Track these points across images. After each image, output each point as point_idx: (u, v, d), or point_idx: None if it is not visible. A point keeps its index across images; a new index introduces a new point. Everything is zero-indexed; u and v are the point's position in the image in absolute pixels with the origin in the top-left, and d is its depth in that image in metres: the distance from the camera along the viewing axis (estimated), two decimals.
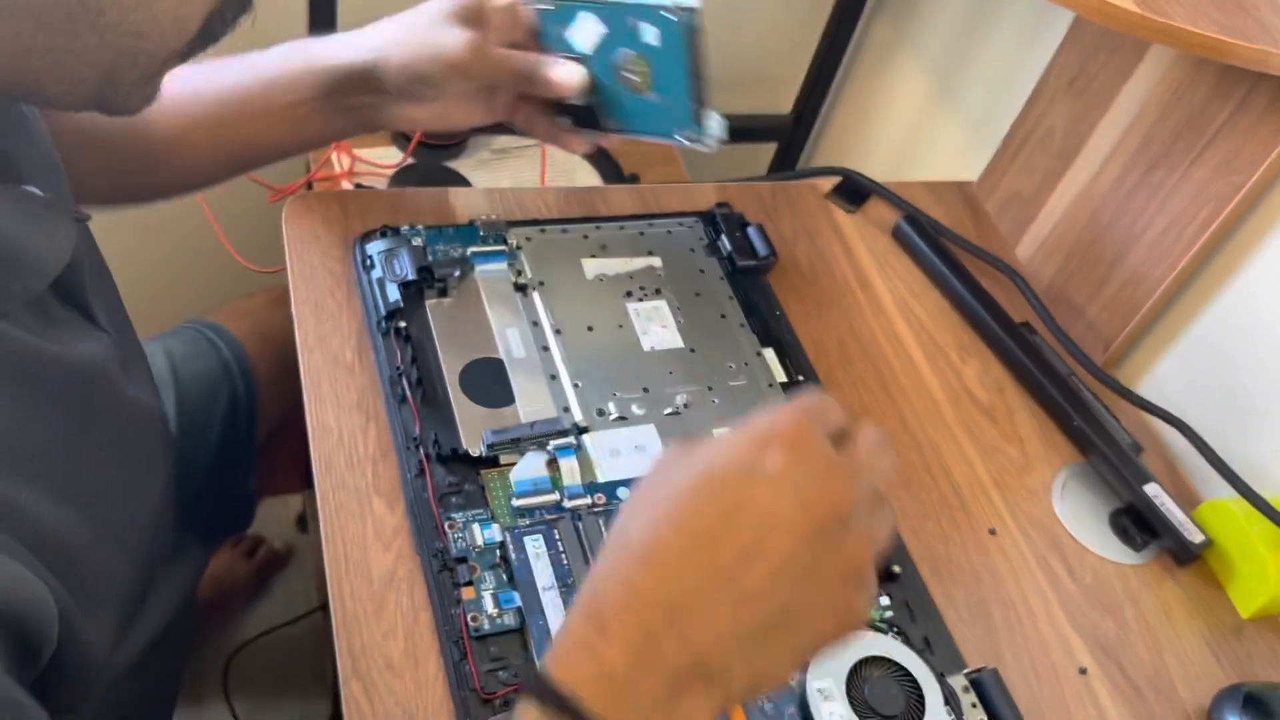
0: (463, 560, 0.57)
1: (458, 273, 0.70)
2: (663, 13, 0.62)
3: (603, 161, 1.03)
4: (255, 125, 0.70)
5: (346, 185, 0.99)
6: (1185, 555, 0.69)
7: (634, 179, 1.02)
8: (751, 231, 0.79)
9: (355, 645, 0.55)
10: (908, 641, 0.60)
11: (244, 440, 0.92)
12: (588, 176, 1.04)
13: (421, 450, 0.61)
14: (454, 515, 0.59)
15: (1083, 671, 0.64)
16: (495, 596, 0.56)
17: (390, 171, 0.97)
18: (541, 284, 0.72)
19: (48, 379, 0.46)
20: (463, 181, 0.97)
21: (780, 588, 0.38)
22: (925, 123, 1.08)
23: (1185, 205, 0.73)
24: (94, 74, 0.43)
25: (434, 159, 1.00)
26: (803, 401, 0.42)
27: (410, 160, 0.97)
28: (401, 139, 0.99)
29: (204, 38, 0.45)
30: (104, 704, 0.59)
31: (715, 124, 0.66)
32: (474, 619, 0.55)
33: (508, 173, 1.03)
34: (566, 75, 0.65)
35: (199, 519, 0.92)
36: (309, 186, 1.00)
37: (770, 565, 0.38)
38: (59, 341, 0.48)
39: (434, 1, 0.65)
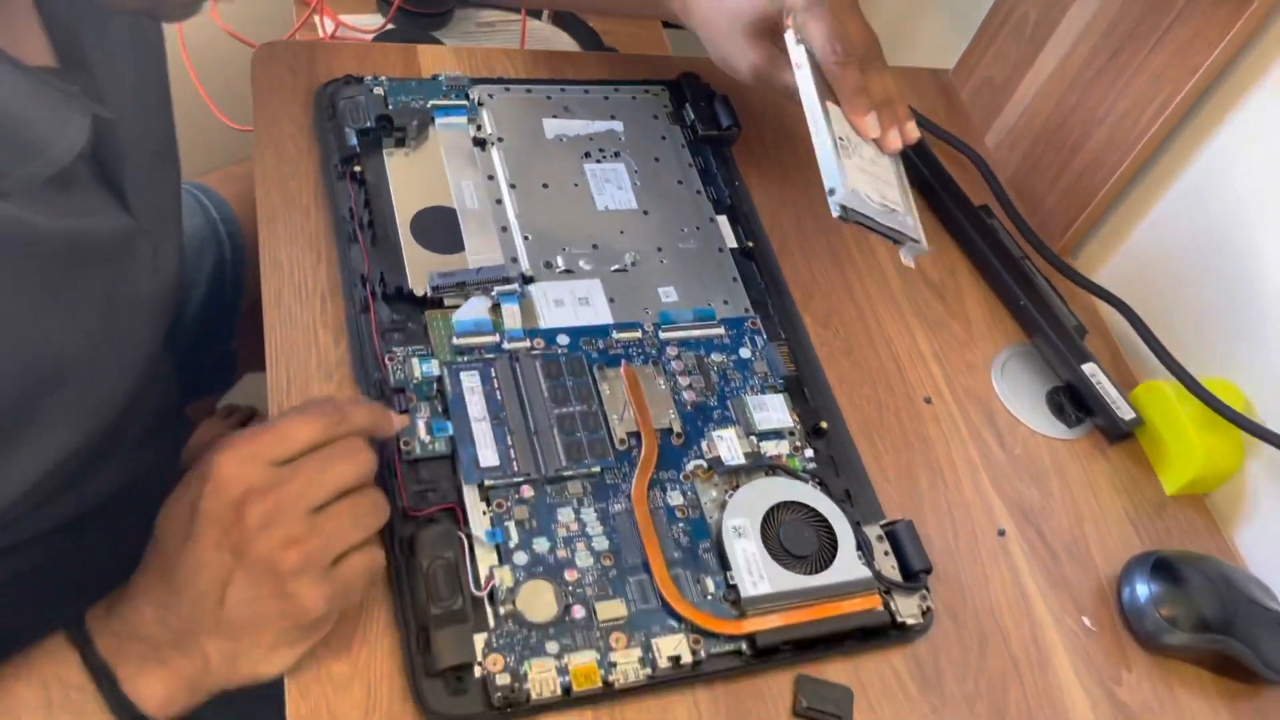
0: (400, 390, 0.60)
1: (417, 123, 0.71)
2: None
3: (584, 35, 1.03)
4: None
5: None
6: (1116, 432, 0.71)
7: (612, 53, 1.02)
8: (717, 102, 0.79)
9: None
10: (828, 493, 0.62)
11: (228, 302, 0.94)
12: (569, 41, 1.04)
13: (368, 288, 0.63)
14: (395, 349, 0.61)
15: (1001, 533, 0.66)
16: (429, 425, 0.58)
17: (371, 37, 0.97)
18: (500, 140, 0.73)
19: (39, 246, 0.49)
20: None
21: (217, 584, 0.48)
22: (906, 8, 1.06)
23: (1144, 89, 0.73)
24: None
25: (417, 26, 1.00)
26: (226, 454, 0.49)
27: (391, 26, 0.98)
28: (384, 2, 0.99)
29: None
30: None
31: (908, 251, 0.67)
32: (406, 444, 0.57)
33: (492, 46, 1.03)
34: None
35: (180, 375, 0.95)
36: None
37: (238, 538, 0.47)
38: (71, 214, 0.52)
39: (745, 6, 0.67)
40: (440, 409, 0.59)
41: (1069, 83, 0.79)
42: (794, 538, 0.59)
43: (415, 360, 0.61)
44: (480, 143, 0.73)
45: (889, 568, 0.60)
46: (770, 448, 0.63)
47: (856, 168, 0.62)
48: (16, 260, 0.49)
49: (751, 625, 0.56)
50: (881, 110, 0.64)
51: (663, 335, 0.67)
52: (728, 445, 0.62)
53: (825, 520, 0.60)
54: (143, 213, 0.58)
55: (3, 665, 0.48)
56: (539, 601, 0.54)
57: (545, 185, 0.72)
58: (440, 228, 0.68)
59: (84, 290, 0.54)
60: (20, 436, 0.52)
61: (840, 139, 0.62)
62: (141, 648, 0.49)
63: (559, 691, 0.52)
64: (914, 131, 0.66)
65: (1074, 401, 0.73)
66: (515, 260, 0.67)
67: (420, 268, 0.65)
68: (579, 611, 0.54)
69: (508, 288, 0.65)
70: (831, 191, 0.61)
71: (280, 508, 0.47)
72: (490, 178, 0.71)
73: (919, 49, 1.03)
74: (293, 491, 0.48)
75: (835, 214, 0.61)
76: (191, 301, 0.92)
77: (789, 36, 0.65)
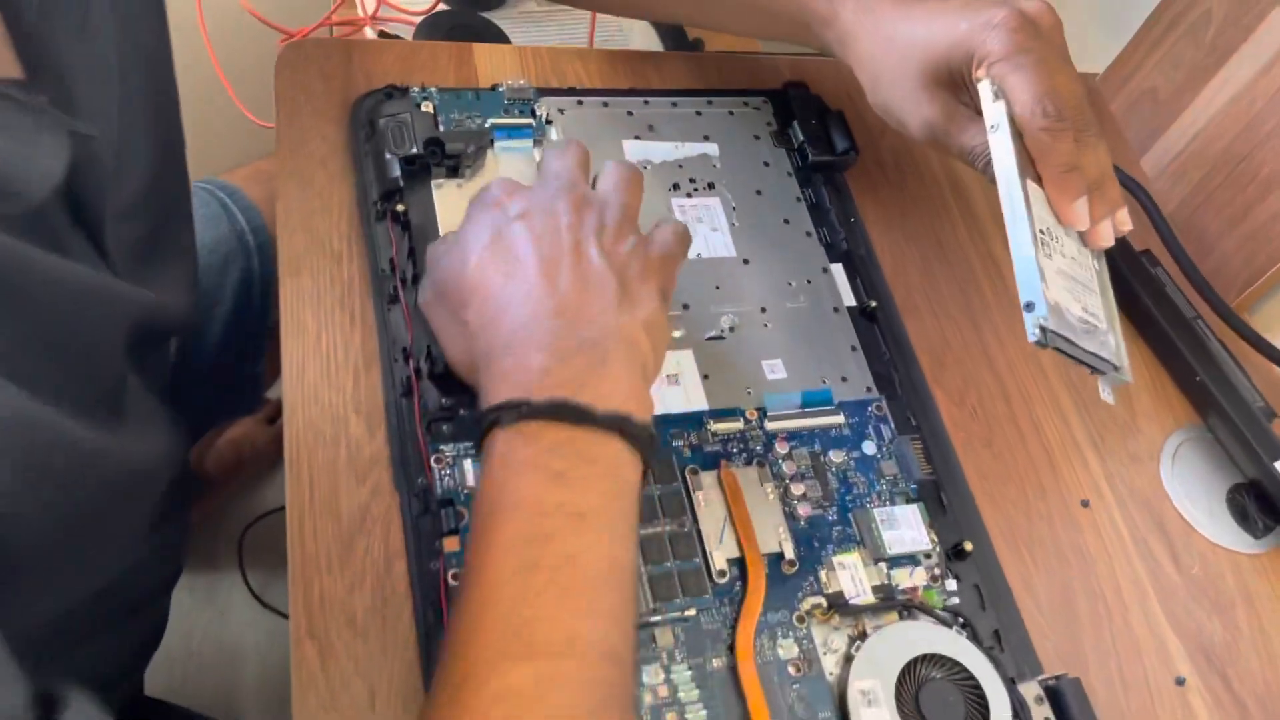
0: (449, 503, 0.48)
1: (473, 148, 0.58)
2: None
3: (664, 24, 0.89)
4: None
5: (370, 33, 0.87)
6: None
7: (697, 45, 0.89)
8: (830, 119, 0.66)
9: (313, 596, 0.46)
10: (975, 636, 0.50)
11: (256, 319, 0.84)
12: (644, 39, 0.90)
13: (411, 364, 0.51)
14: (443, 447, 0.49)
15: (1180, 682, 0.54)
16: None
17: (419, 19, 0.85)
18: None
19: (23, 287, 0.37)
20: (500, 37, 0.85)
21: (597, 268, 0.45)
22: None
23: None
24: None
25: (471, 7, 0.87)
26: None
27: (443, 6, 0.85)
28: None
29: None
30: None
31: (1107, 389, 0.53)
32: (455, 576, 0.46)
33: (554, 28, 0.90)
34: None
35: (200, 400, 0.85)
36: (330, 32, 0.89)
37: (580, 256, 0.45)
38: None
39: (921, 47, 0.53)
40: None
41: (1264, 104, 0.65)
42: (937, 705, 0.47)
43: (468, 462, 0.49)
44: None
45: None
46: (903, 577, 0.51)
47: (1057, 272, 0.48)
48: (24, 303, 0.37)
49: None
50: (1093, 193, 0.50)
51: (769, 426, 0.54)
52: (851, 576, 0.50)
53: (973, 678, 0.48)
54: (127, 267, 0.46)
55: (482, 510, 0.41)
56: None
57: None
58: None
59: (100, 357, 0.43)
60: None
61: (1040, 231, 0.48)
62: (572, 371, 0.42)
63: None
64: (1126, 222, 0.52)
65: (1261, 505, 0.60)
66: None
67: None
68: None
69: None
70: (1029, 307, 0.47)
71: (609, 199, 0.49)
72: None
73: None
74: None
75: (1032, 338, 0.47)
76: (215, 320, 0.81)
77: (984, 89, 0.50)
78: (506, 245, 0.46)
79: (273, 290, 0.84)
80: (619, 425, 0.41)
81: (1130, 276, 0.66)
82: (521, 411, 0.40)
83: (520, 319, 0.44)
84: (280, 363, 0.92)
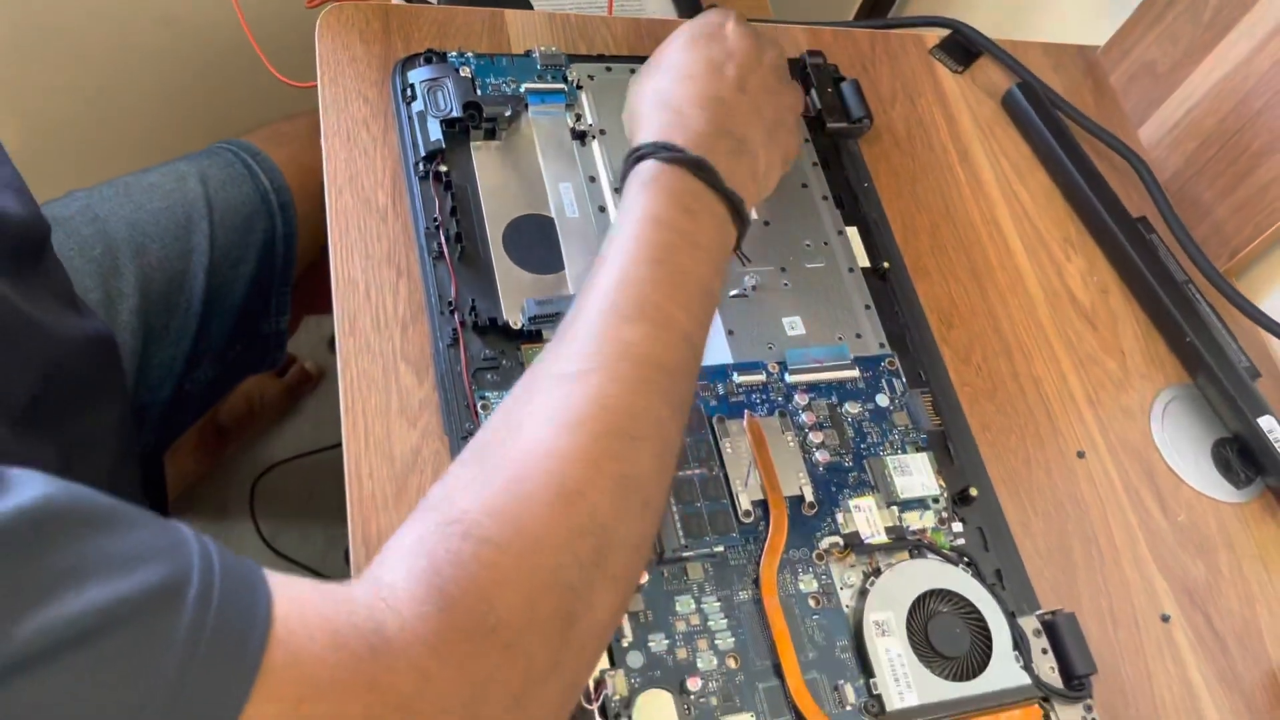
0: None
1: (509, 112, 0.61)
2: None
3: None
4: None
5: None
6: None
7: None
8: (846, 88, 0.69)
9: (371, 532, 0.50)
10: (978, 574, 0.54)
11: (279, 278, 0.86)
12: (660, 7, 0.92)
13: (457, 317, 0.55)
14: (488, 394, 0.53)
15: (1165, 619, 0.58)
16: None
17: None
18: (603, 133, 0.63)
19: None
20: (524, 2, 0.87)
21: (766, 106, 0.55)
22: None
23: None
24: None
25: None
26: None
27: None
28: None
29: None
30: None
31: None
32: None
33: (584, 10, 0.92)
34: None
35: (225, 356, 0.87)
36: None
37: (756, 87, 0.55)
38: None
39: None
40: None
41: (1257, 80, 0.68)
42: (944, 635, 0.51)
43: None
44: (580, 135, 0.63)
45: (1048, 669, 0.52)
46: (914, 520, 0.55)
47: None
48: None
49: None
50: None
51: (789, 379, 0.58)
52: (866, 517, 0.54)
53: (977, 611, 0.52)
54: None
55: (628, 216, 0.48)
56: (659, 717, 0.47)
57: None
58: (537, 241, 0.59)
59: None
60: None
61: None
62: (718, 147, 0.51)
63: None
64: None
65: (1244, 458, 0.64)
66: None
67: (515, 291, 0.56)
68: None
69: None
70: None
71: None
72: (592, 179, 0.62)
73: (1061, 18, 0.91)
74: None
75: None
76: (239, 280, 0.84)
77: None
78: (716, 47, 0.55)
79: (295, 248, 0.87)
80: (735, 201, 0.50)
81: (1126, 241, 0.69)
82: (675, 154, 0.49)
83: (693, 92, 0.53)
84: (299, 318, 0.96)
